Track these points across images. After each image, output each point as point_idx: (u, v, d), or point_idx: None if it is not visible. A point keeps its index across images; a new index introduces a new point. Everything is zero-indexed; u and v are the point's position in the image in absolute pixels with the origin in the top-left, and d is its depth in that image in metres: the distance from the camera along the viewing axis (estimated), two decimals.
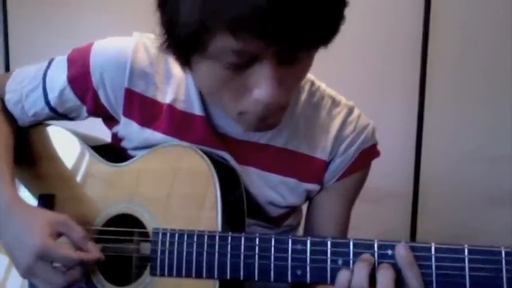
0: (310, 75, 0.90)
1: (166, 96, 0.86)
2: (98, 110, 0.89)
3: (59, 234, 0.79)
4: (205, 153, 0.81)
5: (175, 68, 0.86)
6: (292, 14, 0.60)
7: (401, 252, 0.66)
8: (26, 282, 0.89)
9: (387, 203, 1.73)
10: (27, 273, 0.77)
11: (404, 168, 1.72)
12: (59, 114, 0.92)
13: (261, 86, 0.67)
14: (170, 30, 0.67)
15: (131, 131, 0.87)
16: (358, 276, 0.67)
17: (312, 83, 0.90)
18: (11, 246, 0.79)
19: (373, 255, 0.68)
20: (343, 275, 0.68)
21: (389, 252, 0.67)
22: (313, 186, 0.89)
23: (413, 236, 1.74)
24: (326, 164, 0.89)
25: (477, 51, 1.66)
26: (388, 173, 1.57)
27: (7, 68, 1.86)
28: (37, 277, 0.77)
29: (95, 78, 0.84)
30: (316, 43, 0.68)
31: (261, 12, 0.58)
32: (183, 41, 0.66)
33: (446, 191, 1.71)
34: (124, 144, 0.91)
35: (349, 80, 1.58)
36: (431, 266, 0.66)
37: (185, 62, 0.72)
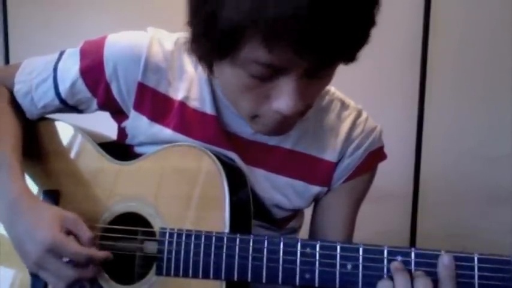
0: None
1: (178, 93, 0.86)
2: (108, 103, 0.88)
3: (68, 232, 0.78)
4: (214, 153, 0.82)
5: (189, 65, 0.86)
6: (331, 26, 0.59)
7: (446, 263, 0.65)
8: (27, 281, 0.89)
9: (387, 203, 1.73)
10: (36, 265, 0.76)
11: (404, 168, 1.73)
12: (68, 106, 0.91)
13: (282, 98, 0.67)
14: (208, 28, 0.65)
15: (140, 125, 0.87)
16: (400, 285, 0.66)
17: None
18: (21, 239, 0.78)
19: (382, 260, 0.69)
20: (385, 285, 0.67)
21: (399, 258, 0.68)
22: (320, 189, 0.90)
23: (413, 235, 1.74)
24: (334, 165, 0.89)
25: (477, 51, 1.66)
26: (388, 173, 1.55)
27: None
28: (46, 270, 0.76)
29: (108, 71, 0.84)
30: (346, 58, 0.68)
31: (299, 19, 0.58)
32: (219, 43, 0.65)
33: (446, 191, 1.71)
34: (130, 140, 0.91)
35: (349, 79, 1.57)
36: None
37: (210, 64, 0.72)
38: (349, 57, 0.68)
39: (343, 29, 0.61)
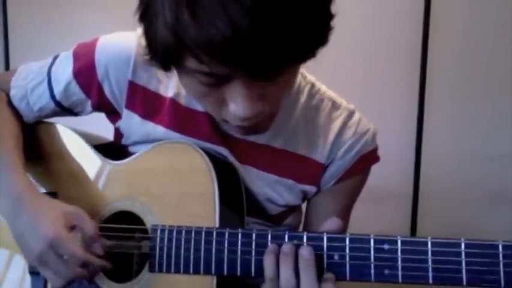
0: (310, 77, 0.90)
1: (168, 90, 0.86)
2: (102, 104, 0.89)
3: (72, 227, 0.80)
4: (204, 150, 0.82)
5: None
6: (262, 40, 0.57)
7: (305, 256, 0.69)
8: (26, 276, 0.90)
9: (387, 203, 1.73)
10: (37, 260, 0.77)
11: (404, 168, 1.72)
12: (64, 109, 0.93)
13: (235, 103, 0.66)
14: (150, 43, 0.66)
15: (133, 123, 0.88)
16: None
17: (312, 85, 0.90)
18: (24, 234, 0.79)
19: (369, 249, 0.68)
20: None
21: (386, 246, 0.67)
22: (309, 188, 0.89)
23: (413, 235, 1.73)
24: (324, 167, 0.88)
25: (477, 51, 1.66)
26: (388, 173, 1.57)
27: (7, 68, 1.86)
28: (46, 266, 0.77)
29: (100, 72, 0.85)
30: (293, 62, 0.66)
31: (225, 39, 0.56)
32: (161, 56, 0.66)
33: (447, 191, 1.71)
34: (125, 140, 0.92)
35: (349, 79, 1.58)
36: (428, 260, 0.66)
37: (168, 71, 0.72)
38: (295, 60, 0.65)
39: (269, 42, 0.58)
